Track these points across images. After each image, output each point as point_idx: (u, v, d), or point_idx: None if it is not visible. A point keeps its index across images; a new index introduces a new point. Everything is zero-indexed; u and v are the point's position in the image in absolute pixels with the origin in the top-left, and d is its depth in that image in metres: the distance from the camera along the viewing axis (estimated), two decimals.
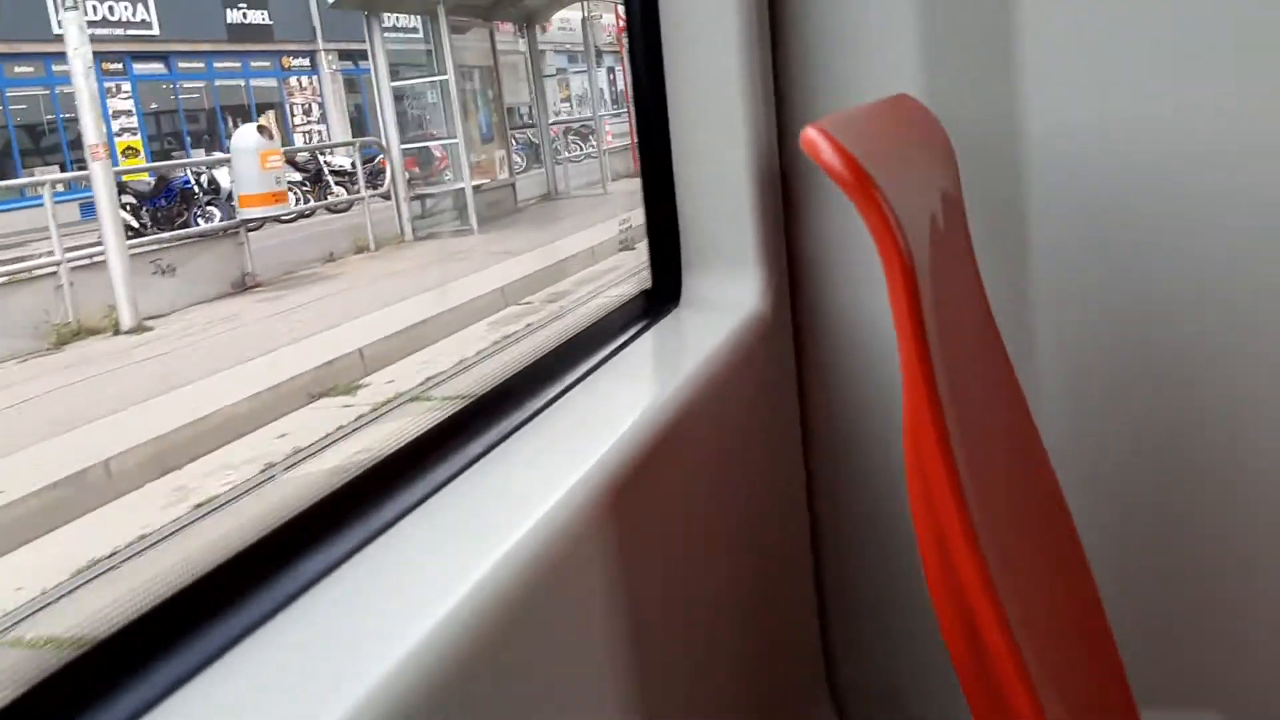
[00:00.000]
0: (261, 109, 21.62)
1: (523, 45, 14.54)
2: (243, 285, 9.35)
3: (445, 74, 11.59)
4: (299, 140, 20.15)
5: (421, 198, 11.97)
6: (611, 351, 1.10)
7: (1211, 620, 1.27)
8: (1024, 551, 0.92)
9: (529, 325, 7.15)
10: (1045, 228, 1.22)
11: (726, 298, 1.20)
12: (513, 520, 0.70)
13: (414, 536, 0.72)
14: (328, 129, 21.18)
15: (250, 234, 9.85)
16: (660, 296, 1.24)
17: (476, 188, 11.95)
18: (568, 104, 23.55)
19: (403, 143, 12.00)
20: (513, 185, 13.28)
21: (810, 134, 0.70)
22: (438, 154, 12.35)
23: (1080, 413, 1.26)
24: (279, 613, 0.63)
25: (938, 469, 0.69)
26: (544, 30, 17.49)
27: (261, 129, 11.04)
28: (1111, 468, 1.27)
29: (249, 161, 10.33)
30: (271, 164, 10.46)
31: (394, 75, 11.89)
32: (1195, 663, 1.28)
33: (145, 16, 19.07)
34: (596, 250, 9.67)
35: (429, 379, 5.95)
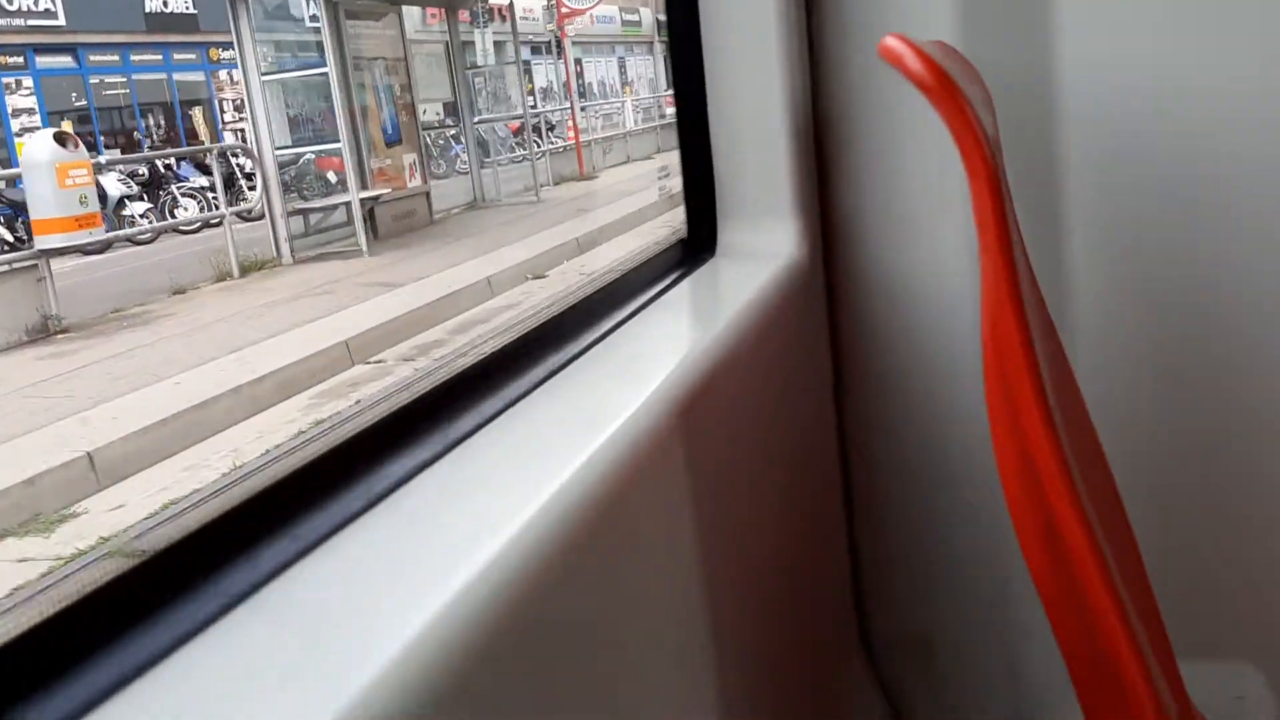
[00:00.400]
0: (188, 105, 20.55)
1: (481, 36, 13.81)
2: (44, 331, 7.62)
3: (326, 66, 10.03)
4: (228, 139, 18.79)
5: (303, 212, 10.34)
6: (651, 298, 1.11)
7: (1247, 575, 1.28)
8: (1089, 492, 0.95)
9: (359, 402, 5.49)
10: (1080, 183, 1.23)
11: (762, 247, 1.21)
12: (576, 445, 0.71)
13: (483, 453, 0.73)
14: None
15: (98, 255, 8.44)
16: (696, 246, 1.24)
17: (376, 198, 10.57)
18: (532, 98, 22.34)
19: (298, 144, 10.47)
20: (427, 194, 11.84)
21: (890, 42, 0.70)
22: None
23: (1116, 366, 1.27)
24: (362, 514, 0.63)
25: (1019, 365, 0.69)
26: (497, 18, 16.28)
27: (62, 136, 8.81)
28: (1150, 421, 1.28)
29: (43, 178, 8.25)
30: (75, 180, 8.36)
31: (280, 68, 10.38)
32: (1230, 616, 1.29)
33: (49, 5, 18.03)
34: (496, 280, 8.10)
35: (169, 503, 4.14)
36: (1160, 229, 1.23)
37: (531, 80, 23.07)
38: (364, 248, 10.03)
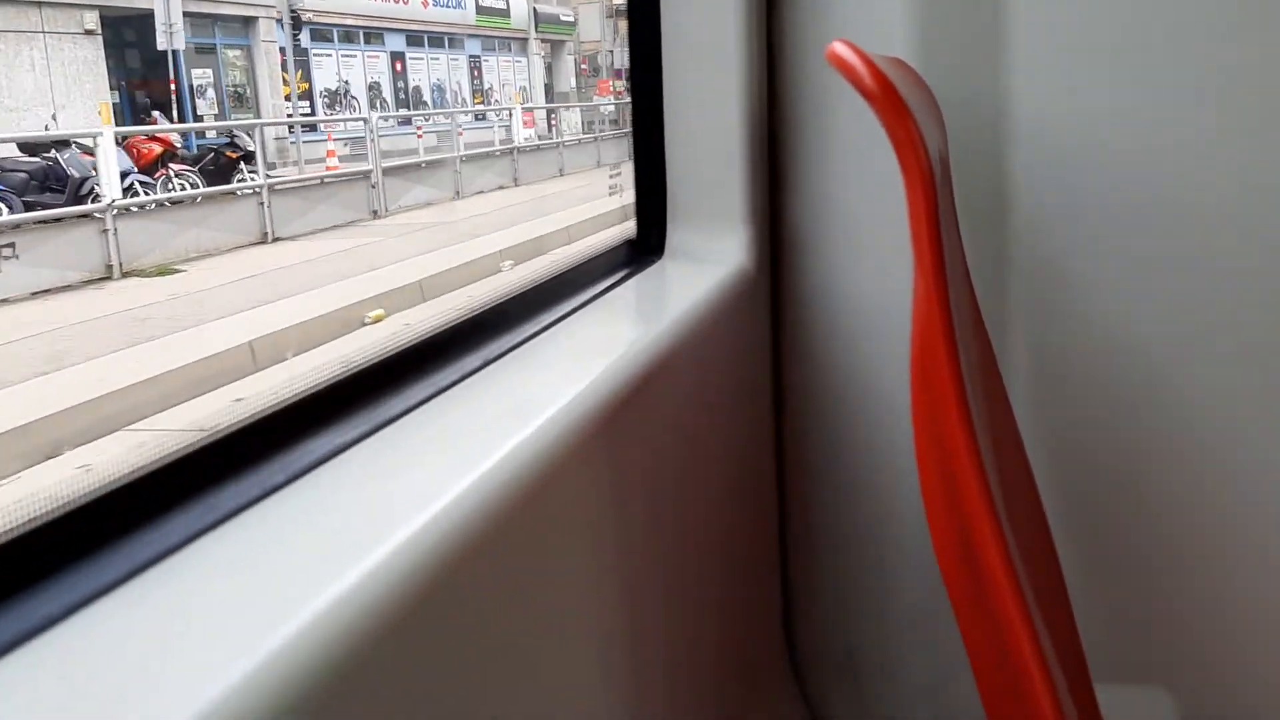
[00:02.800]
0: None
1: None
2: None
3: None
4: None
5: None
6: (595, 295, 1.11)
7: (1165, 602, 1.30)
8: (1009, 507, 0.96)
9: None
10: (1026, 203, 1.24)
11: (710, 253, 1.21)
12: (495, 439, 0.70)
13: (408, 436, 0.73)
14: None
15: None
16: (644, 247, 1.25)
17: None
18: (307, 103, 17.48)
19: None
20: None
21: (838, 47, 0.69)
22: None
23: (1051, 390, 1.28)
24: (280, 489, 0.63)
25: (946, 388, 0.69)
26: None
27: None
28: (1079, 449, 1.29)
29: None
30: None
31: None
32: (1147, 642, 1.31)
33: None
34: None
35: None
36: (1103, 255, 1.24)
37: (306, 77, 17.17)
38: None
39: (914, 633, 1.34)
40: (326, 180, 11.87)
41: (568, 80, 27.11)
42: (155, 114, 13.08)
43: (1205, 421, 1.25)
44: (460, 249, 9.19)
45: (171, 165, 10.64)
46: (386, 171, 11.81)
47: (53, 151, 9.88)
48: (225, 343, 6.26)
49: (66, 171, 9.65)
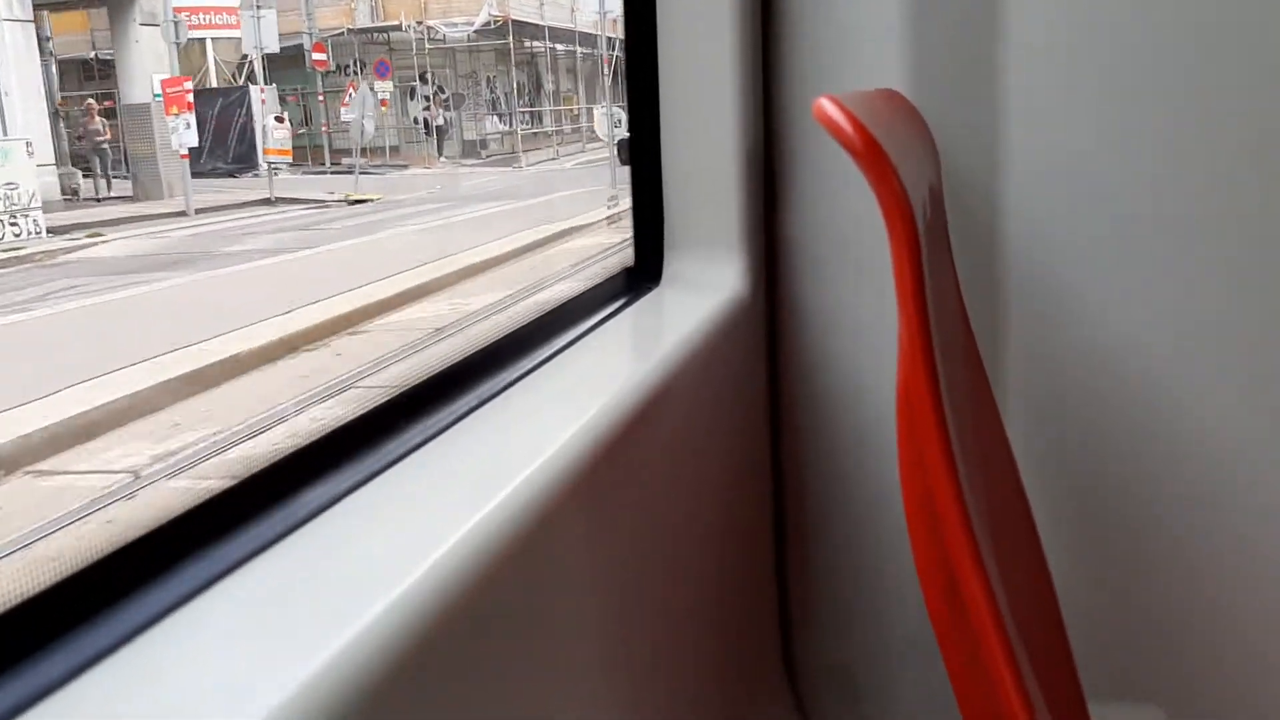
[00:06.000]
0: None
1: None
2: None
3: None
4: None
5: None
6: (592, 326, 1.13)
7: (1159, 620, 1.32)
8: (998, 537, 0.98)
9: None
10: (1020, 229, 1.26)
11: (706, 280, 1.24)
12: (493, 481, 0.72)
13: (409, 479, 0.74)
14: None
15: None
16: (642, 275, 1.27)
17: None
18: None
19: None
20: None
21: (823, 103, 0.71)
22: None
23: (1045, 415, 1.30)
24: (281, 540, 0.64)
25: (928, 425, 0.71)
26: None
27: None
28: (1072, 469, 1.31)
29: None
30: None
31: None
32: (1140, 659, 1.33)
33: None
34: None
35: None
36: (1096, 279, 1.26)
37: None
38: None
39: (910, 648, 1.37)
40: None
41: None
42: None
43: (1199, 442, 1.27)
44: None
45: None
46: None
47: None
48: None
49: None
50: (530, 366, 0.99)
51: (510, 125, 25.64)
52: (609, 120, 15.58)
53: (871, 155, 0.73)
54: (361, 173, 19.23)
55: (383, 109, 21.47)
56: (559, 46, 26.60)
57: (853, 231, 1.29)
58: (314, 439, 0.77)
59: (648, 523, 0.97)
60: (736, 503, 1.28)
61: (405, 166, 21.81)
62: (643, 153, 1.26)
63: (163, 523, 0.64)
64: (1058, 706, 1.09)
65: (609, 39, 24.89)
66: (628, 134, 1.29)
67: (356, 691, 0.51)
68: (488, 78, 25.61)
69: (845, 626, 1.39)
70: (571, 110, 28.12)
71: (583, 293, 1.20)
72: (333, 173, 19.91)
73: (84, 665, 0.51)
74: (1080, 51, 1.22)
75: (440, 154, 23.36)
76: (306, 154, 20.82)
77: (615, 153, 14.82)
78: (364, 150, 20.66)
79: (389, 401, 0.86)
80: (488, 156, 24.14)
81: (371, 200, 15.71)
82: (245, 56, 19.90)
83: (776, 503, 1.37)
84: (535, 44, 26.13)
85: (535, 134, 26.14)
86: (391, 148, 22.66)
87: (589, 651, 0.84)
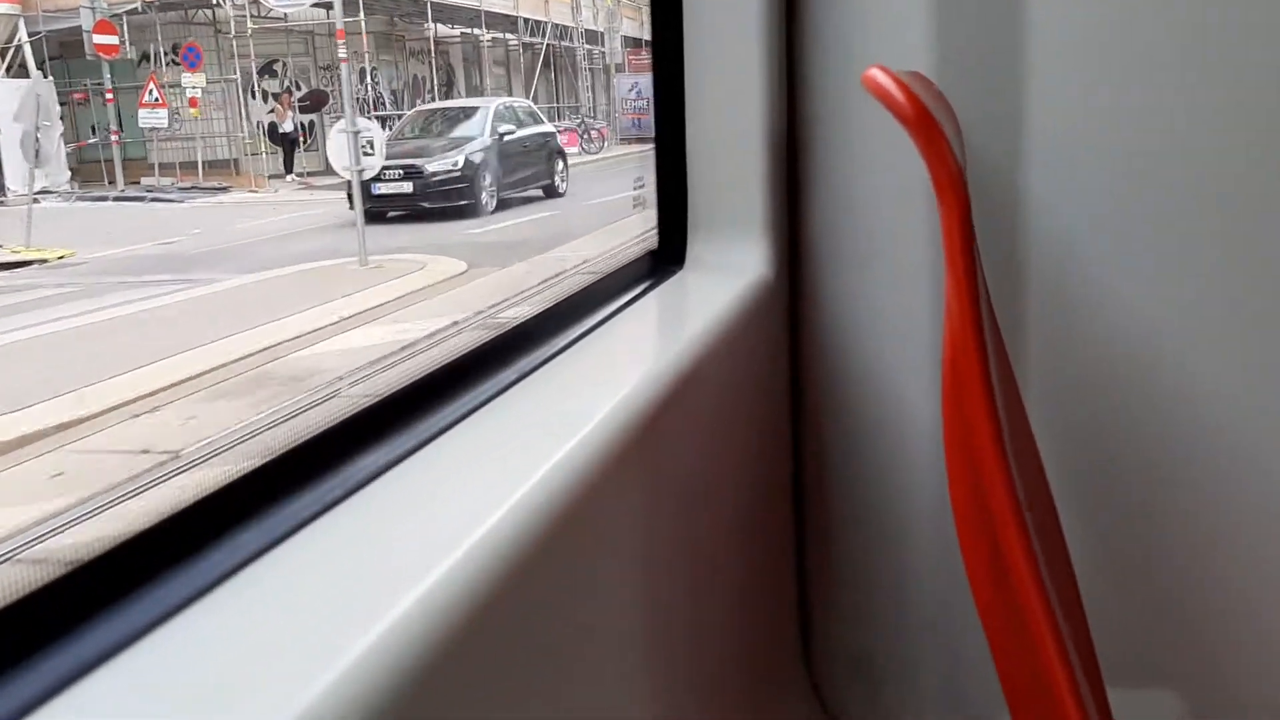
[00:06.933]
0: None
1: None
2: None
3: None
4: None
5: None
6: (618, 309, 1.13)
7: (1176, 606, 1.32)
8: (1032, 517, 0.98)
9: None
10: (1042, 216, 1.26)
11: (730, 263, 1.24)
12: (542, 450, 0.72)
13: (449, 453, 0.74)
14: None
15: None
16: (665, 258, 1.27)
17: None
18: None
19: None
20: None
21: (875, 73, 0.71)
22: None
23: (1065, 398, 1.30)
24: (333, 508, 0.64)
25: (978, 402, 0.71)
26: None
27: None
28: (1093, 454, 1.31)
29: None
30: None
31: None
32: (1158, 645, 1.33)
33: None
34: None
35: None
36: (1119, 266, 1.26)
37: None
38: None
39: (930, 635, 1.37)
40: None
41: None
42: None
43: (1219, 426, 1.27)
44: None
45: None
46: None
47: None
48: None
49: None
50: (557, 349, 0.99)
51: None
52: (352, 142, 9.71)
53: (923, 123, 0.73)
54: (154, 198, 14.55)
55: (192, 111, 16.06)
56: (485, 34, 20.90)
57: (877, 216, 1.29)
58: (349, 416, 0.77)
59: (678, 504, 0.97)
60: (758, 488, 1.28)
61: (225, 189, 15.90)
62: (667, 135, 1.27)
63: (211, 492, 0.64)
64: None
65: (529, 22, 20.69)
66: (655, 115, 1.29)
67: (411, 663, 0.51)
68: (368, 70, 18.59)
69: (864, 611, 1.40)
70: None
71: (607, 275, 1.21)
72: (117, 199, 14.68)
73: (119, 645, 0.50)
74: (1105, 39, 1.22)
75: (290, 170, 17.00)
76: (101, 170, 15.28)
77: (355, 199, 9.76)
78: (186, 167, 15.69)
79: (415, 384, 0.86)
80: None
81: (44, 261, 10.09)
82: (12, 40, 14.18)
83: (797, 488, 1.38)
84: (447, 28, 20.27)
85: None
86: (221, 162, 16.78)
87: (621, 623, 0.84)
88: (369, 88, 18.46)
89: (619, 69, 23.00)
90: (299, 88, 18.11)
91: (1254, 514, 1.28)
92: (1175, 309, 1.26)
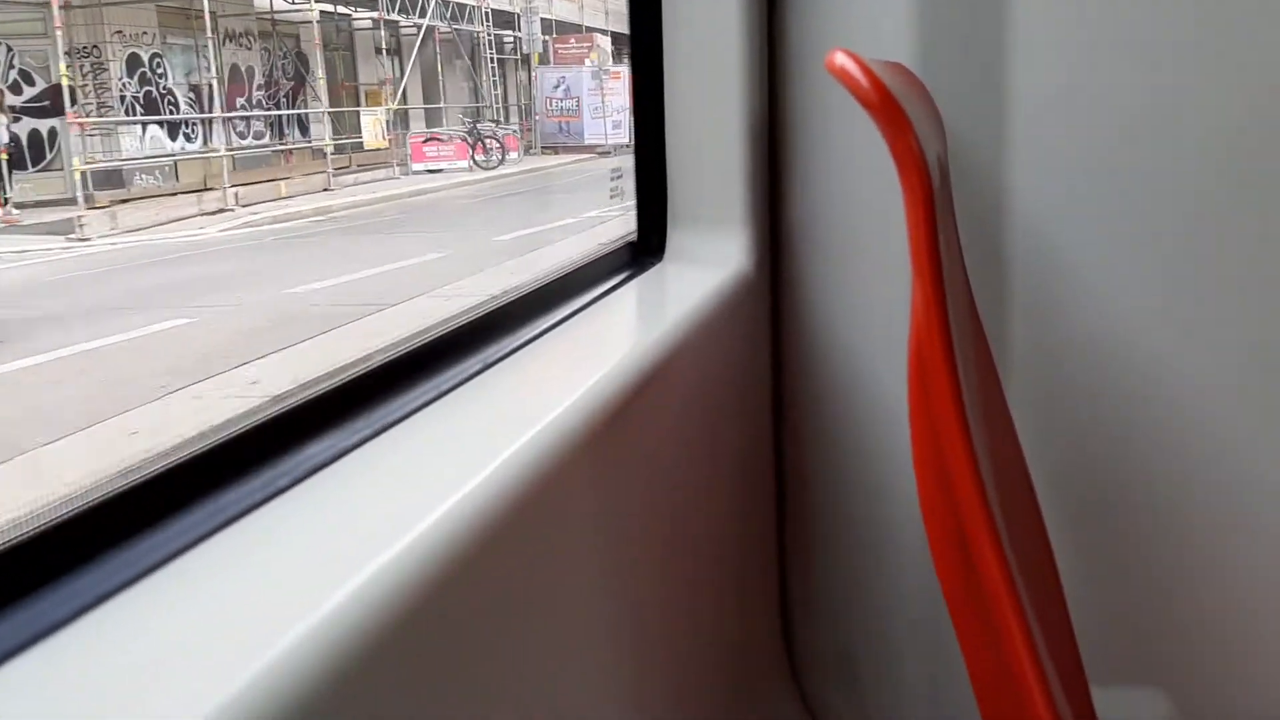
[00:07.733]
0: None
1: None
2: None
3: None
4: None
5: None
6: (595, 297, 1.12)
7: (1161, 603, 1.31)
8: (1007, 515, 0.97)
9: None
10: (1025, 205, 1.25)
11: (710, 255, 1.22)
12: (495, 444, 0.71)
13: (410, 440, 0.73)
14: None
15: None
16: (645, 249, 1.26)
17: None
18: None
19: None
20: None
21: (837, 56, 0.69)
22: None
23: (1049, 392, 1.29)
24: (284, 492, 0.63)
25: (943, 394, 0.69)
26: None
27: None
28: (1076, 452, 1.30)
29: None
30: None
31: None
32: (1143, 643, 1.32)
33: None
34: None
35: None
36: (1102, 256, 1.25)
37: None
38: None
39: (912, 634, 1.35)
40: None
41: None
42: None
43: (1203, 424, 1.26)
44: None
45: None
46: None
47: None
48: None
49: None
50: (532, 335, 0.98)
51: (207, 139, 14.35)
52: None
53: (886, 107, 0.72)
54: None
55: None
56: (361, 15, 16.60)
57: (857, 209, 1.28)
58: (317, 395, 0.76)
59: (649, 495, 0.96)
60: (738, 481, 1.27)
61: None
62: (647, 126, 1.25)
63: (171, 466, 0.63)
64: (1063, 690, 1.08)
65: None
66: (633, 104, 1.28)
67: (355, 646, 0.50)
68: (145, 57, 13.76)
69: (846, 609, 1.38)
70: (387, 110, 16.71)
71: (585, 265, 1.19)
72: None
73: (80, 611, 0.50)
74: (1088, 22, 1.21)
75: (9, 190, 11.41)
76: None
77: None
78: None
79: (390, 362, 0.85)
80: (112, 201, 11.83)
81: None
82: None
83: (778, 483, 1.36)
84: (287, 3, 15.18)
85: (289, 151, 15.60)
86: None
87: (589, 620, 0.83)
88: (134, 81, 13.63)
89: (543, 61, 19.24)
90: (30, 82, 12.77)
91: (1242, 511, 1.27)
92: (1162, 306, 1.24)
